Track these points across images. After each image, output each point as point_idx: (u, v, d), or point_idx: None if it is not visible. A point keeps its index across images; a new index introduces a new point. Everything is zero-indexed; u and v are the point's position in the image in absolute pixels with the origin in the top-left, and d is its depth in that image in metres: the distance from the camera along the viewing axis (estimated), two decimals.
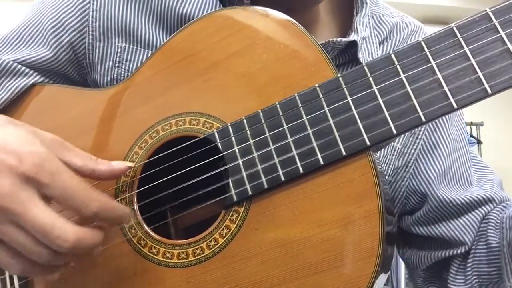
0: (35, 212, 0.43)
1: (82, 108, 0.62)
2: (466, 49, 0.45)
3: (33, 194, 0.44)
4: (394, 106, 0.46)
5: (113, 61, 0.63)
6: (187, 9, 0.62)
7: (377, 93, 0.47)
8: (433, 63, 0.45)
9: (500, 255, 0.62)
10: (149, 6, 0.63)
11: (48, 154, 0.45)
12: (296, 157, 0.48)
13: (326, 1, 0.63)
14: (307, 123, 0.49)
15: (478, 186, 0.69)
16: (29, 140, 0.45)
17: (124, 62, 0.63)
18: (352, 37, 0.63)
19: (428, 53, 0.46)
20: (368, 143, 0.46)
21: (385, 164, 0.66)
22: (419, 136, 0.67)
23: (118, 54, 0.63)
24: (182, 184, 0.54)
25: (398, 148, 0.66)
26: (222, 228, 0.50)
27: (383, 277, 0.48)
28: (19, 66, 0.64)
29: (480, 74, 0.44)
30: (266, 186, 0.49)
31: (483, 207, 0.67)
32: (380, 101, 0.46)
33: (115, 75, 0.63)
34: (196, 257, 0.51)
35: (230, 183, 0.50)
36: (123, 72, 0.63)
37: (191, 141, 0.53)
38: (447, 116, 0.68)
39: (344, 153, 0.47)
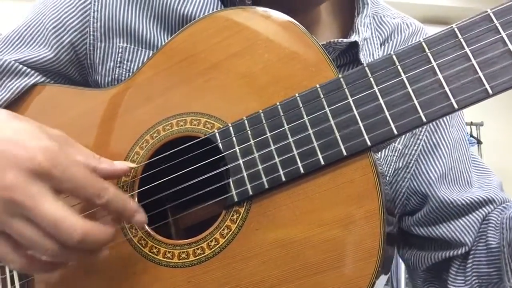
0: (46, 206, 0.43)
1: (83, 108, 0.62)
2: (467, 49, 0.45)
3: (43, 188, 0.44)
4: (395, 107, 0.46)
5: (114, 61, 0.63)
6: (188, 9, 0.62)
7: (378, 93, 0.47)
8: (434, 63, 0.45)
9: (500, 255, 0.62)
10: (150, 7, 0.63)
11: (57, 148, 0.45)
12: (297, 157, 0.48)
13: (328, 2, 0.63)
14: (308, 124, 0.49)
15: (478, 187, 0.69)
16: (37, 135, 0.46)
17: (125, 62, 0.63)
18: (353, 38, 0.63)
19: (429, 54, 0.46)
20: (369, 143, 0.46)
21: (386, 165, 0.66)
22: (420, 137, 0.67)
23: (119, 54, 0.63)
24: (183, 184, 0.54)
25: (399, 149, 0.66)
26: (222, 228, 0.50)
27: (383, 278, 0.48)
28: (20, 66, 0.64)
29: (481, 74, 0.44)
30: (266, 186, 0.49)
31: (483, 208, 0.67)
32: (381, 101, 0.46)
33: (116, 75, 0.63)
34: (197, 257, 0.51)
35: (231, 183, 0.50)
36: (124, 72, 0.63)
37: (192, 142, 0.53)
38: (447, 117, 0.68)
39: (345, 153, 0.47)
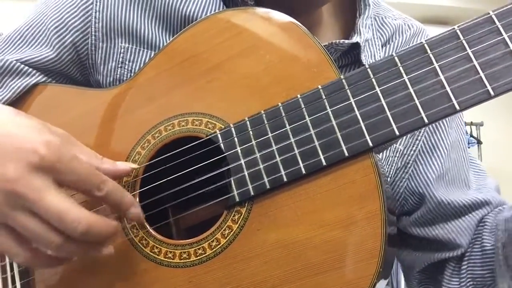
0: (50, 198, 0.44)
1: (84, 108, 0.62)
2: (469, 51, 0.45)
3: (47, 181, 0.44)
4: (396, 107, 0.46)
5: (116, 62, 0.63)
6: (190, 10, 0.62)
7: (380, 94, 0.47)
8: (436, 64, 0.45)
9: (494, 257, 0.62)
10: (152, 7, 0.63)
11: (61, 143, 0.46)
12: (299, 157, 0.48)
13: (329, 4, 0.64)
14: (309, 124, 0.49)
15: (475, 189, 0.69)
16: (40, 130, 0.46)
17: (127, 62, 0.63)
18: (355, 39, 0.63)
19: (431, 55, 0.46)
20: (370, 144, 0.46)
21: (387, 166, 0.66)
22: (419, 138, 0.67)
23: (121, 54, 0.63)
24: (184, 184, 0.54)
25: (400, 150, 0.67)
26: (224, 228, 0.50)
27: (383, 283, 0.48)
28: (22, 65, 0.65)
29: (482, 76, 0.44)
30: (268, 186, 0.49)
31: (480, 210, 0.67)
32: (383, 102, 0.47)
33: (118, 76, 0.63)
34: (198, 257, 0.51)
35: (232, 183, 0.50)
36: (126, 73, 0.63)
37: (194, 143, 0.53)
38: (447, 119, 0.68)
39: (346, 154, 0.47)
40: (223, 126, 0.52)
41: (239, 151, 0.51)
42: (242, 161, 0.50)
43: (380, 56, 0.66)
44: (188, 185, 0.54)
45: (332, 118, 0.48)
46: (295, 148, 0.49)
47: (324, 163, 0.47)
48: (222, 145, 0.52)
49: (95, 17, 0.63)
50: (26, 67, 0.65)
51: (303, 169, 0.48)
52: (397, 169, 0.67)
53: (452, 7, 3.66)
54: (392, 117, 0.46)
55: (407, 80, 0.46)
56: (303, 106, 0.49)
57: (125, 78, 0.63)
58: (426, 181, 0.66)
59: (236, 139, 0.51)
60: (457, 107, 0.44)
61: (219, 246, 0.50)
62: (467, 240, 0.66)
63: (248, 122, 0.51)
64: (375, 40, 0.67)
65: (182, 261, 0.51)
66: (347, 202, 0.47)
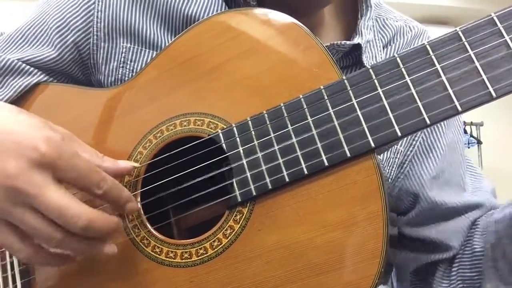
0: (50, 194, 0.44)
1: (85, 107, 0.62)
2: (471, 52, 0.45)
3: (47, 177, 0.44)
4: (398, 108, 0.46)
5: (117, 62, 0.63)
6: (192, 10, 0.62)
7: (382, 95, 0.47)
8: (438, 66, 0.46)
9: (483, 259, 0.62)
10: (154, 7, 0.63)
11: (62, 140, 0.46)
12: (301, 158, 0.48)
13: (331, 5, 0.64)
14: (311, 124, 0.49)
15: (471, 192, 0.70)
16: (42, 127, 0.46)
17: (128, 62, 0.63)
18: (357, 40, 0.63)
19: (433, 57, 0.46)
20: (372, 145, 0.47)
21: (388, 167, 0.66)
22: (416, 138, 0.68)
23: (123, 54, 0.63)
24: (185, 184, 0.54)
25: (401, 151, 0.67)
26: (225, 228, 0.50)
27: None
28: (24, 65, 0.65)
29: (484, 77, 0.44)
30: (270, 186, 0.49)
31: (473, 212, 0.67)
32: (385, 103, 0.47)
33: (119, 76, 0.63)
34: (200, 257, 0.51)
35: (234, 183, 0.50)
36: (127, 73, 0.63)
37: (196, 142, 0.53)
38: (446, 120, 0.68)
39: (348, 154, 0.47)
40: (225, 126, 0.53)
41: (241, 151, 0.51)
42: (244, 161, 0.50)
43: (381, 58, 0.67)
44: (189, 184, 0.54)
45: (334, 119, 0.48)
46: (297, 148, 0.49)
47: (326, 164, 0.48)
48: (224, 145, 0.52)
49: (97, 17, 0.63)
50: (28, 66, 0.65)
51: (305, 170, 0.48)
52: (395, 169, 0.68)
53: (452, 7, 3.66)
54: (394, 118, 0.46)
55: (409, 81, 0.46)
56: (305, 106, 0.49)
57: (126, 78, 0.63)
58: (420, 180, 0.67)
59: (238, 139, 0.51)
60: (459, 109, 0.44)
61: (220, 246, 0.50)
62: (459, 242, 0.66)
63: (250, 122, 0.51)
64: (376, 41, 0.67)
65: (183, 261, 0.51)
66: (349, 202, 0.47)
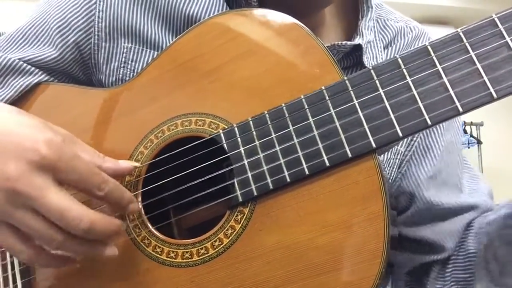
0: (51, 196, 0.44)
1: (86, 107, 0.62)
2: (472, 54, 0.45)
3: (48, 179, 0.44)
4: (400, 109, 0.46)
5: (118, 61, 0.63)
6: (194, 10, 0.62)
7: (383, 96, 0.47)
8: (439, 67, 0.46)
9: (475, 260, 0.62)
10: (155, 7, 0.63)
11: (62, 142, 0.46)
12: (302, 158, 0.49)
13: (332, 5, 0.64)
14: (313, 125, 0.49)
15: (467, 193, 0.70)
16: (41, 128, 0.46)
17: (129, 62, 0.63)
18: (357, 40, 0.63)
19: (434, 57, 0.46)
20: (373, 145, 0.47)
21: (389, 168, 0.66)
22: (414, 138, 0.68)
23: (124, 54, 0.63)
24: (186, 184, 0.54)
25: (402, 152, 0.67)
26: (227, 228, 0.50)
27: None
28: (25, 64, 0.65)
29: (485, 78, 0.44)
30: (271, 187, 0.49)
31: (468, 214, 0.67)
32: (386, 104, 0.47)
33: (120, 75, 0.63)
34: (201, 257, 0.51)
35: (236, 183, 0.50)
36: (128, 73, 0.63)
37: (197, 142, 0.53)
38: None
39: (349, 155, 0.47)
40: (226, 126, 0.53)
41: (243, 151, 0.51)
42: (246, 162, 0.50)
43: (382, 58, 0.67)
44: (190, 185, 0.54)
45: (336, 119, 0.48)
46: (298, 148, 0.49)
47: (328, 164, 0.48)
48: (225, 145, 0.52)
49: (98, 17, 0.63)
50: (29, 66, 0.65)
51: (306, 170, 0.48)
52: (395, 169, 0.68)
53: (452, 7, 3.66)
54: (395, 119, 0.46)
55: (410, 82, 0.46)
56: (306, 107, 0.50)
57: (127, 78, 0.63)
58: (417, 180, 0.67)
59: (239, 139, 0.51)
60: (460, 110, 0.45)
61: (221, 246, 0.50)
62: (453, 243, 0.66)
63: (251, 122, 0.51)
64: (377, 42, 0.67)
65: (184, 260, 0.51)
66: (350, 203, 0.47)
